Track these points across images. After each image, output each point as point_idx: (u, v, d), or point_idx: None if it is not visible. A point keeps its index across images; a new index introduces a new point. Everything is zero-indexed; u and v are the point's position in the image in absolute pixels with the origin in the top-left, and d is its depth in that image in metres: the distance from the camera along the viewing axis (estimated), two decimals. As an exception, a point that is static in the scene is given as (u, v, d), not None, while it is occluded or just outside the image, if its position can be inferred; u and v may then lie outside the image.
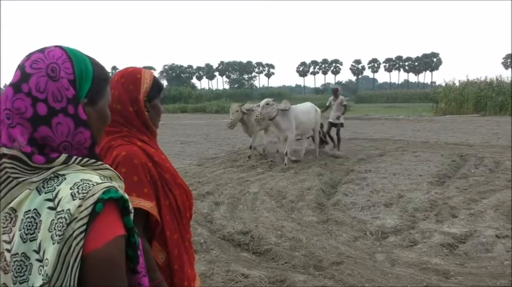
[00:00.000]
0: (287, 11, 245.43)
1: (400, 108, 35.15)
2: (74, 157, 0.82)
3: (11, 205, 0.79)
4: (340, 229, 4.39)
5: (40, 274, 0.74)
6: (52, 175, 0.80)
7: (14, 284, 0.77)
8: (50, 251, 0.73)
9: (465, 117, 21.14)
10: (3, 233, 0.79)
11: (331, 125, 9.68)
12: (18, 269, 0.76)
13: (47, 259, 0.74)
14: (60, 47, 0.86)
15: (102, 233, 0.77)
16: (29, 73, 0.80)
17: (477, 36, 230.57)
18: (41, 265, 0.74)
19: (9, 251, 0.78)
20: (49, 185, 0.79)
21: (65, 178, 0.79)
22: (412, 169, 7.46)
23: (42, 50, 0.84)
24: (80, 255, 0.74)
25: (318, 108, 9.12)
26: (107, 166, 0.88)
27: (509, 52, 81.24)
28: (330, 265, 3.50)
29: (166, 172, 1.31)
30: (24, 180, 0.79)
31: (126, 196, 0.85)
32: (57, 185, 0.78)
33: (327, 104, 9.70)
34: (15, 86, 0.80)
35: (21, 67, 0.82)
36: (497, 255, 3.67)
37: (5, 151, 0.79)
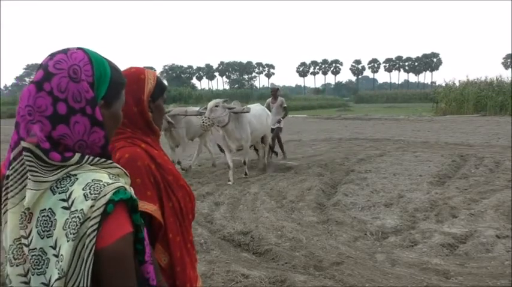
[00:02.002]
0: (287, 11, 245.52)
1: (400, 109, 35.17)
2: (86, 157, 0.86)
3: (25, 204, 0.82)
4: (340, 229, 4.39)
5: (56, 268, 0.80)
6: (64, 175, 0.84)
7: (32, 275, 0.82)
8: (65, 248, 0.79)
9: (465, 118, 21.15)
10: (21, 229, 0.84)
11: (271, 130, 8.31)
12: (36, 262, 0.82)
13: (62, 254, 0.79)
14: (82, 50, 0.90)
15: (113, 231, 0.82)
16: (52, 73, 0.84)
17: (477, 36, 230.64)
18: (57, 260, 0.80)
19: (26, 245, 0.83)
20: (62, 185, 0.83)
21: (77, 178, 0.84)
22: (412, 169, 7.46)
23: (65, 51, 0.88)
24: (93, 251, 0.79)
25: (269, 112, 8.01)
26: (115, 164, 0.93)
27: (509, 52, 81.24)
28: (330, 265, 3.50)
29: (169, 174, 1.31)
30: (38, 180, 0.82)
31: (134, 195, 0.89)
32: (70, 186, 0.83)
33: (265, 106, 8.41)
34: (38, 84, 0.84)
35: (44, 66, 0.85)
36: (497, 255, 3.67)
37: (24, 144, 0.83)
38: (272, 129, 8.27)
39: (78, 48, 0.90)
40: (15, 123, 0.87)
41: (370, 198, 5.57)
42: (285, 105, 8.49)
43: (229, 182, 6.55)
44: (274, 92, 8.52)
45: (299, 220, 4.75)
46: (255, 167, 7.99)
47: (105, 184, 0.83)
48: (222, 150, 7.28)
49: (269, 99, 8.60)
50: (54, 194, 0.82)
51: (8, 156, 0.88)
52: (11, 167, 0.86)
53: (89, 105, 0.86)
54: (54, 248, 0.80)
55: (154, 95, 1.35)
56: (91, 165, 0.87)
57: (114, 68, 0.95)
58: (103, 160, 0.89)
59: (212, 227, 4.56)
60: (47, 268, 0.81)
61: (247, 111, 6.68)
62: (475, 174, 6.87)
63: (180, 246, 1.31)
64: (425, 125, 17.30)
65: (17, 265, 0.85)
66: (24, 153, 0.82)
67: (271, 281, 3.20)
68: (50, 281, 0.81)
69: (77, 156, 0.84)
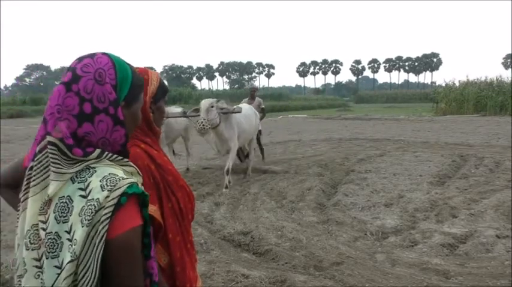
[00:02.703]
0: (287, 11, 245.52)
1: (400, 109, 35.17)
2: (106, 153, 0.94)
3: (49, 193, 0.90)
4: (340, 229, 4.39)
5: (69, 252, 0.86)
6: (84, 167, 0.92)
7: (47, 258, 0.88)
8: (79, 233, 0.85)
9: (465, 118, 21.14)
10: (40, 215, 0.91)
11: None
12: (51, 245, 0.88)
13: (75, 239, 0.85)
14: (107, 55, 1.00)
15: (124, 222, 0.88)
16: (79, 75, 0.93)
17: (477, 36, 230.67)
18: (70, 244, 0.86)
19: (44, 229, 0.90)
20: (81, 176, 0.91)
21: (95, 171, 0.91)
22: (412, 169, 7.46)
23: (92, 56, 0.98)
24: (104, 238, 0.85)
25: (257, 112, 7.39)
26: (130, 163, 1.00)
27: (509, 52, 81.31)
28: (330, 265, 3.50)
29: (168, 174, 1.31)
30: (60, 172, 0.89)
31: (145, 191, 0.96)
32: (89, 177, 0.90)
33: (240, 105, 7.62)
34: (67, 85, 0.93)
35: (72, 69, 0.95)
36: (497, 255, 3.67)
37: (49, 139, 0.90)
38: None
39: (104, 54, 0.99)
40: (43, 119, 0.95)
41: (370, 198, 5.57)
42: (263, 106, 8.02)
43: (225, 189, 6.08)
44: (253, 91, 8.04)
45: (299, 220, 4.75)
46: (235, 173, 7.23)
47: (121, 178, 0.90)
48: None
49: (246, 100, 8.03)
50: (73, 183, 0.90)
51: (33, 149, 0.96)
52: (35, 159, 0.93)
53: (112, 106, 0.94)
54: (68, 232, 0.87)
55: (156, 97, 1.36)
56: (109, 161, 0.94)
57: (134, 72, 1.04)
58: (120, 157, 0.97)
59: (212, 228, 4.56)
60: (60, 251, 0.87)
61: (239, 112, 6.32)
62: (475, 174, 6.87)
63: (180, 246, 1.31)
64: (425, 125, 17.30)
65: (32, 249, 0.91)
66: (49, 146, 0.90)
67: (271, 282, 3.20)
68: (62, 263, 0.87)
69: (97, 151, 0.92)
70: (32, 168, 0.94)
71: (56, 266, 0.87)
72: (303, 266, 3.53)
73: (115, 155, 0.96)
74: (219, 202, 5.57)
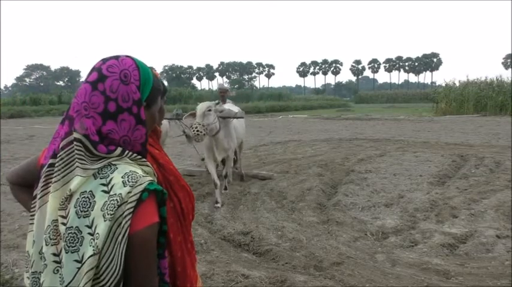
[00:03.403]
0: (287, 11, 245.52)
1: (400, 109, 35.18)
2: (127, 151, 0.97)
3: (72, 188, 0.92)
4: (340, 230, 4.38)
5: (91, 246, 0.88)
6: (106, 164, 0.95)
7: (67, 252, 0.90)
8: (101, 227, 0.87)
9: (465, 118, 21.15)
10: (60, 210, 0.93)
11: None
12: (71, 240, 0.90)
13: (98, 233, 0.87)
14: (131, 57, 1.04)
15: (144, 218, 0.91)
16: (105, 75, 0.97)
17: (477, 36, 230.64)
18: (92, 238, 0.88)
19: (64, 224, 0.92)
20: (103, 172, 0.94)
21: (117, 168, 0.94)
22: (413, 169, 7.46)
23: (116, 57, 1.02)
24: (127, 232, 0.88)
25: (244, 114, 6.54)
26: (148, 163, 1.03)
27: (509, 52, 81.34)
28: (330, 265, 3.50)
29: (170, 174, 1.31)
30: (85, 168, 0.92)
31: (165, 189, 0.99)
32: (111, 173, 0.93)
33: None
34: (93, 84, 0.96)
35: (98, 69, 0.98)
36: (497, 255, 3.67)
37: (76, 135, 0.94)
38: None
39: (127, 56, 1.04)
40: (66, 117, 0.99)
41: (371, 198, 5.57)
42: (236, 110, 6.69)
43: (218, 204, 5.28)
44: (223, 93, 7.00)
45: (299, 220, 4.75)
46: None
47: (141, 175, 0.94)
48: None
49: (214, 103, 6.93)
50: (95, 179, 0.93)
51: (51, 147, 1.00)
52: (58, 156, 0.96)
53: (136, 105, 0.98)
54: (90, 227, 0.89)
55: None
56: (130, 159, 0.98)
57: (155, 75, 1.09)
58: (139, 157, 1.00)
59: (212, 228, 4.56)
60: (80, 245, 0.89)
61: (242, 117, 5.86)
62: (475, 174, 6.87)
63: (181, 246, 1.31)
64: (426, 125, 17.30)
65: (52, 245, 0.93)
66: (75, 143, 0.93)
67: (271, 282, 3.19)
68: (83, 258, 0.88)
69: (119, 149, 0.96)
70: (52, 165, 0.97)
71: (76, 260, 0.89)
72: (303, 266, 3.53)
73: (135, 154, 0.99)
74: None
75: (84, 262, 0.87)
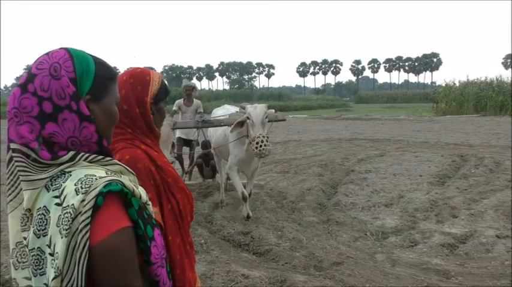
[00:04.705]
0: (287, 11, 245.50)
1: (400, 109, 35.15)
2: (81, 154, 0.85)
3: (24, 205, 0.82)
4: (340, 229, 4.39)
5: (52, 267, 0.78)
6: (59, 173, 0.83)
7: (35, 276, 0.82)
8: (59, 245, 0.77)
9: (465, 118, 21.13)
10: (23, 231, 0.83)
11: (184, 142, 6.35)
12: (37, 262, 0.81)
13: (57, 252, 0.77)
14: (65, 49, 0.90)
15: (105, 226, 0.79)
16: (34, 74, 0.85)
17: (477, 36, 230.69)
18: (52, 259, 0.78)
19: (27, 246, 0.82)
20: (56, 183, 0.82)
21: (71, 175, 0.83)
22: (413, 169, 7.46)
23: (47, 53, 0.89)
24: (86, 247, 0.77)
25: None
26: (116, 161, 0.91)
27: (509, 52, 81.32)
28: (330, 265, 3.50)
29: (168, 176, 1.30)
30: (31, 179, 0.82)
31: (131, 188, 0.85)
32: (63, 182, 0.82)
33: (174, 108, 6.14)
34: (23, 86, 0.85)
35: (28, 69, 0.87)
36: (497, 255, 3.67)
37: (13, 146, 0.83)
38: (186, 141, 6.27)
39: (61, 48, 0.90)
40: (7, 127, 0.87)
41: (370, 198, 5.57)
42: (201, 110, 6.07)
43: (249, 219, 4.63)
44: (190, 91, 6.05)
45: (299, 220, 4.75)
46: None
47: (97, 178, 0.81)
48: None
49: (180, 101, 6.22)
50: (48, 192, 0.82)
51: None
52: (7, 170, 0.85)
53: (73, 101, 0.85)
54: (49, 246, 0.79)
55: (158, 98, 1.34)
56: (89, 162, 0.85)
57: (100, 63, 0.93)
58: (100, 157, 0.88)
59: (212, 228, 4.56)
60: (46, 267, 0.80)
61: (284, 120, 5.09)
62: (475, 174, 6.87)
63: (180, 248, 1.31)
64: (425, 125, 17.29)
65: (22, 268, 0.85)
66: (13, 154, 0.83)
67: (271, 282, 3.19)
68: (49, 280, 0.79)
69: (70, 153, 0.84)
70: (6, 180, 0.86)
71: (45, 284, 0.81)
72: (303, 266, 3.53)
73: (93, 155, 0.87)
74: (219, 202, 5.56)
75: (50, 286, 0.78)
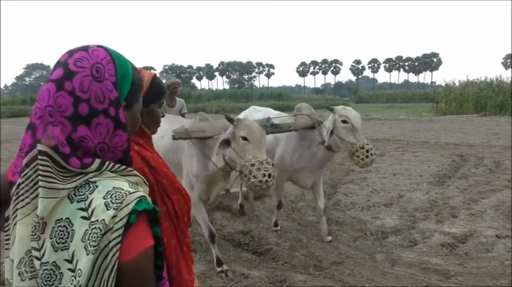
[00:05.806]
0: (287, 11, 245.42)
1: (400, 109, 35.13)
2: (106, 163, 0.81)
3: (39, 213, 0.76)
4: (340, 229, 4.38)
5: (72, 284, 0.73)
6: (83, 182, 0.78)
7: None
8: (84, 262, 0.73)
9: (465, 118, 21.12)
10: (32, 241, 0.77)
11: None
12: (48, 277, 0.75)
13: (79, 269, 0.73)
14: (103, 47, 0.85)
15: (135, 244, 0.76)
16: (73, 71, 0.78)
17: (477, 36, 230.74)
18: (73, 275, 0.73)
19: (38, 258, 0.76)
20: (81, 193, 0.77)
21: (97, 186, 0.78)
22: (412, 169, 7.46)
23: (85, 49, 0.82)
24: (116, 266, 0.74)
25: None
26: (135, 172, 0.87)
27: (509, 52, 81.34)
28: (330, 265, 3.50)
29: (163, 177, 1.28)
30: (55, 187, 0.76)
31: (157, 207, 0.83)
32: (90, 194, 0.77)
33: None
34: (58, 82, 0.78)
35: (63, 64, 0.79)
36: (497, 255, 3.67)
37: (40, 147, 0.77)
38: None
39: (99, 46, 0.84)
40: (29, 125, 0.81)
41: (370, 198, 5.58)
42: (186, 111, 5.32)
43: (277, 227, 4.34)
44: (175, 89, 5.12)
45: (299, 220, 4.75)
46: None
47: (127, 193, 0.77)
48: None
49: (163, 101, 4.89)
50: (72, 203, 0.76)
51: (17, 162, 0.82)
52: (23, 174, 0.78)
53: (113, 107, 0.80)
54: (70, 261, 0.74)
55: (146, 99, 1.32)
56: (111, 172, 0.81)
57: (134, 68, 0.90)
58: (123, 167, 0.84)
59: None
60: (59, 283, 0.74)
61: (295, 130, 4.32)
62: (475, 174, 6.87)
63: (176, 250, 1.29)
64: (425, 125, 17.28)
65: (29, 279, 0.78)
66: (39, 157, 0.76)
67: (271, 281, 3.19)
68: None
69: (97, 162, 0.79)
70: (19, 185, 0.79)
71: None
72: (303, 265, 3.53)
73: (117, 165, 0.82)
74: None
75: None
